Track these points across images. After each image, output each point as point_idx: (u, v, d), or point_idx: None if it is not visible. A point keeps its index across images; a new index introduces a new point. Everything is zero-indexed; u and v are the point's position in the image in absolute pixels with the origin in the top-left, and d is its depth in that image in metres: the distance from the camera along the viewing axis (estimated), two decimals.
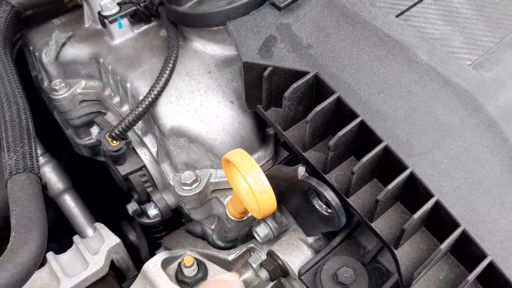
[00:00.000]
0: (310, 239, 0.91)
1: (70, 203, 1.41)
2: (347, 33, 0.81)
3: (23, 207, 0.73)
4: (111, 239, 0.97)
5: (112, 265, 1.00)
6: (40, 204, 0.76)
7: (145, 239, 1.43)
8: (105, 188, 1.55)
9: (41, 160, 1.30)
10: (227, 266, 1.01)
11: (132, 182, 0.94)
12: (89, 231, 1.37)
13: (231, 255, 1.01)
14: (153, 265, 0.93)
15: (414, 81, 0.77)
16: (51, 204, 1.39)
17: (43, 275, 0.94)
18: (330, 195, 0.73)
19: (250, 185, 0.72)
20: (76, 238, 0.98)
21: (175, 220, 1.31)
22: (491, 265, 0.66)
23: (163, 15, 0.94)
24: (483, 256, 0.66)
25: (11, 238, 0.71)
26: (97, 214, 1.42)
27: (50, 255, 0.94)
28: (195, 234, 1.21)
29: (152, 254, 1.37)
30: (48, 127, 1.31)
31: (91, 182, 1.53)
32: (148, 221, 1.23)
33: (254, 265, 0.96)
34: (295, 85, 0.76)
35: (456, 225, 0.67)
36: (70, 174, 1.41)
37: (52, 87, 1.03)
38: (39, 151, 1.28)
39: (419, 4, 0.86)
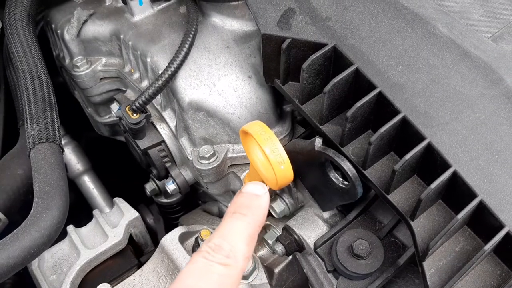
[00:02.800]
0: (326, 214, 0.91)
1: (89, 184, 1.44)
2: (366, 5, 0.81)
3: (45, 175, 0.75)
4: (130, 213, 0.98)
5: (131, 240, 1.02)
6: (62, 173, 0.78)
7: (162, 222, 1.45)
8: (122, 171, 1.57)
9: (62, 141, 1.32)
10: None
11: (151, 157, 0.96)
12: (106, 210, 1.40)
13: None
14: (171, 239, 0.94)
15: (433, 53, 0.77)
16: (70, 185, 1.42)
17: (63, 247, 0.96)
18: (347, 165, 0.73)
19: (268, 155, 0.73)
20: (96, 212, 1.00)
21: (192, 201, 1.32)
22: (508, 235, 0.66)
23: None
24: (500, 226, 0.66)
25: (34, 203, 0.73)
26: (115, 196, 1.45)
27: (70, 228, 0.96)
28: (212, 213, 1.23)
29: None
30: (68, 110, 1.34)
31: (109, 165, 1.56)
32: (165, 200, 1.25)
33: (270, 242, 0.97)
34: (313, 56, 0.76)
35: (473, 195, 0.67)
36: (89, 157, 1.43)
37: (73, 64, 1.05)
38: None
39: None
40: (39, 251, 0.70)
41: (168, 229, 1.40)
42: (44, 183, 0.74)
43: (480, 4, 0.82)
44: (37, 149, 0.79)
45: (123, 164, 1.55)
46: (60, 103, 0.98)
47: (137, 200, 1.47)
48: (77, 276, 0.91)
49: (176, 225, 1.35)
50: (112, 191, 1.47)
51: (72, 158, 1.40)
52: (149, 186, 1.17)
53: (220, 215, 1.16)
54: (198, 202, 1.35)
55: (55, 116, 0.86)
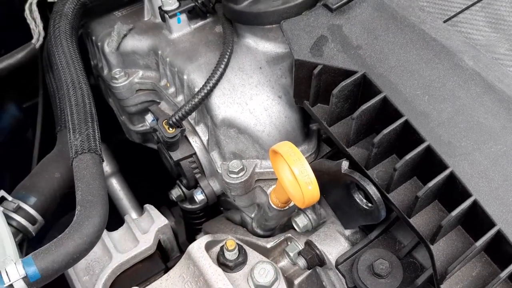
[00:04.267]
0: (348, 232, 0.95)
1: (117, 186, 1.49)
2: (395, 35, 0.84)
3: (87, 184, 0.80)
4: (160, 220, 1.03)
5: (158, 245, 1.07)
6: (103, 182, 0.83)
7: (183, 225, 1.50)
8: (146, 174, 1.63)
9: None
10: (265, 253, 1.06)
11: (182, 167, 1.01)
12: (133, 214, 1.45)
13: (269, 243, 1.06)
14: (197, 247, 0.99)
15: (459, 84, 0.80)
16: None
17: (96, 250, 1.01)
18: (372, 189, 0.77)
19: (296, 176, 0.77)
20: (127, 217, 1.05)
21: (214, 208, 1.37)
22: None
23: (220, 12, 1.00)
24: None
25: (76, 211, 0.78)
26: (139, 199, 1.50)
27: (104, 232, 1.01)
28: (234, 221, 1.27)
29: (190, 239, 1.43)
30: (99, 114, 1.40)
31: (134, 167, 1.61)
32: (190, 206, 1.30)
33: (291, 254, 1.01)
34: (343, 83, 0.80)
35: (492, 224, 0.70)
36: (117, 159, 1.49)
37: (112, 75, 1.10)
38: None
39: (466, 11, 0.88)
40: (81, 256, 0.76)
41: (190, 233, 1.46)
42: (86, 192, 0.79)
43: (506, 39, 0.85)
44: (80, 159, 0.84)
45: (147, 167, 1.60)
46: None
47: (159, 202, 1.52)
48: (108, 278, 0.96)
49: (198, 230, 1.40)
50: (135, 192, 1.52)
51: None
52: (175, 192, 1.22)
53: (243, 224, 1.20)
54: (220, 209, 1.40)
55: (96, 127, 0.91)
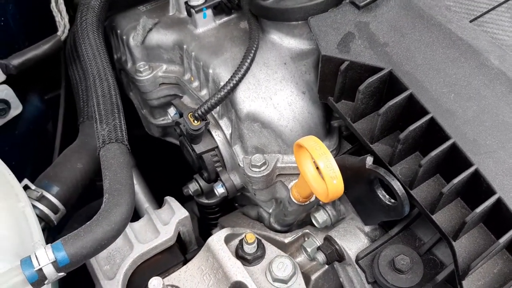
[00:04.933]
0: (367, 228, 0.96)
1: (133, 180, 1.50)
2: (422, 34, 0.85)
3: (115, 173, 0.82)
4: (181, 212, 1.04)
5: (178, 237, 1.08)
6: (130, 172, 0.84)
7: (196, 220, 1.51)
8: (161, 169, 1.64)
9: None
10: (283, 248, 1.07)
11: (204, 160, 1.02)
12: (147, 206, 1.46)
13: (287, 238, 1.07)
14: (217, 239, 1.00)
15: (484, 83, 0.81)
16: None
17: (117, 239, 1.02)
18: (397, 184, 0.78)
19: (322, 170, 0.78)
20: (148, 208, 1.06)
21: (229, 204, 1.38)
22: None
23: (245, 8, 1.01)
24: None
25: (104, 199, 0.80)
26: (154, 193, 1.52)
27: None
28: (250, 217, 1.28)
29: (203, 235, 1.45)
30: None
31: (150, 162, 1.63)
32: (207, 201, 1.31)
33: (309, 249, 1.02)
34: (370, 79, 0.81)
35: None
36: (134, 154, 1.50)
37: (136, 68, 1.12)
38: None
39: (492, 11, 0.89)
40: (108, 243, 0.77)
41: (205, 228, 1.47)
42: (114, 181, 0.80)
43: None
44: (107, 148, 0.86)
45: (160, 164, 1.61)
46: None
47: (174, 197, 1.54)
48: (129, 268, 0.97)
49: (213, 225, 1.41)
50: (150, 187, 1.54)
51: None
52: (192, 187, 1.23)
53: (259, 219, 1.21)
54: (235, 205, 1.41)
55: (122, 118, 0.92)
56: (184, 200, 1.40)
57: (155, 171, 1.65)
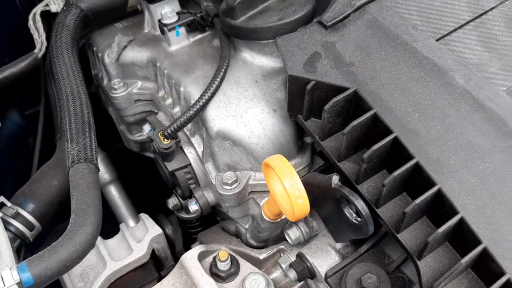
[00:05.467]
0: (339, 245, 0.96)
1: (115, 193, 1.50)
2: (388, 53, 0.86)
3: (82, 193, 0.82)
4: (154, 229, 1.05)
5: (152, 254, 1.08)
6: (97, 192, 0.85)
7: (180, 233, 1.51)
8: (146, 182, 1.64)
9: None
10: (258, 264, 1.07)
11: (177, 178, 1.02)
12: (130, 221, 1.46)
13: (262, 254, 1.07)
14: (190, 257, 1.00)
15: (449, 103, 0.81)
16: None
17: (90, 257, 1.03)
18: (360, 204, 0.78)
19: (287, 189, 0.78)
20: (122, 226, 1.06)
21: (211, 217, 1.38)
22: (508, 283, 0.69)
23: (218, 26, 1.02)
24: (501, 273, 0.70)
25: (71, 220, 0.80)
26: (137, 206, 1.52)
27: (98, 240, 1.03)
28: (229, 232, 1.28)
29: (186, 248, 1.44)
30: (98, 121, 1.42)
31: (133, 175, 1.63)
32: (186, 216, 1.31)
33: (284, 266, 1.02)
34: (335, 99, 0.82)
35: (478, 242, 0.71)
36: (116, 166, 1.50)
37: (111, 86, 1.12)
38: None
39: (459, 30, 0.90)
40: (73, 264, 0.77)
41: (186, 242, 1.47)
42: (81, 201, 0.81)
43: (498, 58, 0.86)
44: (76, 168, 0.86)
45: (146, 175, 1.61)
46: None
47: (157, 210, 1.54)
48: (102, 285, 0.98)
49: (194, 239, 1.41)
50: (134, 200, 1.54)
51: (101, 168, 1.46)
52: (172, 202, 1.23)
53: (238, 234, 1.21)
54: (216, 219, 1.41)
55: (93, 136, 0.93)
56: (171, 212, 1.41)
57: (142, 184, 1.66)
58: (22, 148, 1.36)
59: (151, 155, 1.33)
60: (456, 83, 0.83)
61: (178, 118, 0.92)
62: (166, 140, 0.93)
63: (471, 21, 0.90)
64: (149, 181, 1.59)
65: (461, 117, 0.80)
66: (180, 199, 1.19)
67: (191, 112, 0.91)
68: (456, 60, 0.85)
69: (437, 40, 0.88)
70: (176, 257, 1.26)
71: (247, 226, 1.12)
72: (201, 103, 0.91)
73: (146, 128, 1.11)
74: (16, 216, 1.03)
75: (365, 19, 0.89)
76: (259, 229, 1.03)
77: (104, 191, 1.49)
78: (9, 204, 1.03)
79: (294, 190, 0.78)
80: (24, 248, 1.05)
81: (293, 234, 1.00)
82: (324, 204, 0.89)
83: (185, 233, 1.46)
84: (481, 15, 0.91)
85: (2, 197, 1.03)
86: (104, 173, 1.47)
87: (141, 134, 1.24)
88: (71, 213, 0.81)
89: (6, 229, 1.00)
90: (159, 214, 1.53)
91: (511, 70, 0.85)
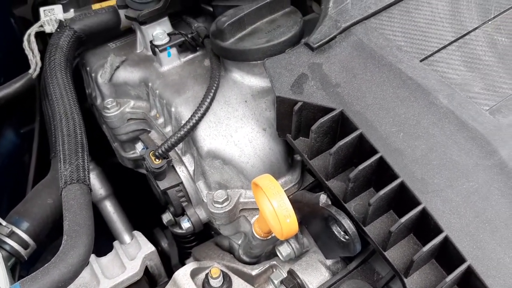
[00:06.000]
0: (329, 262, 0.97)
1: (110, 209, 1.52)
2: (373, 74, 0.88)
3: (75, 214, 0.84)
4: (147, 247, 1.06)
5: (146, 271, 1.09)
6: (90, 213, 0.86)
7: (176, 247, 1.52)
8: (141, 196, 1.65)
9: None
10: (250, 280, 1.08)
11: (169, 196, 1.04)
12: (126, 236, 1.48)
13: (254, 270, 1.08)
14: (183, 274, 1.01)
15: (433, 122, 0.83)
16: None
17: (84, 274, 1.04)
18: (347, 223, 0.80)
19: (275, 209, 0.80)
20: (115, 243, 1.08)
21: (205, 232, 1.39)
22: None
23: (208, 47, 1.04)
24: None
25: (63, 241, 0.81)
26: (133, 220, 1.53)
27: (92, 257, 1.04)
28: (223, 247, 1.29)
29: (182, 262, 1.46)
30: (94, 136, 1.43)
31: (129, 189, 1.64)
32: (180, 231, 1.33)
33: (276, 282, 1.03)
34: (322, 120, 0.83)
35: (462, 260, 0.73)
36: (111, 181, 1.52)
37: (104, 105, 1.14)
38: None
39: (443, 50, 0.92)
40: (66, 284, 0.78)
41: (181, 256, 1.48)
42: (73, 222, 0.82)
43: (480, 77, 0.88)
44: (68, 189, 0.88)
45: (142, 189, 1.63)
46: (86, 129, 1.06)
47: (154, 224, 1.55)
48: None
49: (189, 254, 1.42)
50: (130, 214, 1.55)
51: (96, 183, 1.48)
52: (166, 217, 1.24)
53: (231, 250, 1.22)
54: (211, 233, 1.42)
55: (85, 157, 0.94)
56: (167, 226, 1.42)
57: (138, 197, 1.67)
58: (18, 165, 1.37)
59: (145, 172, 1.35)
60: (440, 103, 0.85)
61: (169, 138, 0.93)
62: (157, 160, 0.95)
63: (454, 41, 0.92)
64: (145, 195, 1.61)
65: (445, 136, 0.82)
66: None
67: (182, 132, 0.93)
68: (440, 80, 0.87)
69: (421, 61, 0.90)
70: (172, 271, 1.27)
71: (239, 242, 1.13)
72: (191, 124, 0.92)
73: (139, 146, 1.13)
74: (11, 235, 1.04)
75: (350, 41, 0.91)
76: (250, 246, 1.04)
77: (100, 206, 1.51)
78: (4, 223, 1.04)
79: (282, 209, 0.80)
80: (19, 266, 1.07)
81: (284, 250, 1.01)
82: (313, 221, 0.91)
83: (180, 248, 1.48)
84: (464, 35, 0.93)
85: None
86: (99, 189, 1.48)
87: (134, 151, 1.26)
88: (63, 234, 0.82)
89: (1, 247, 1.02)
90: (155, 227, 1.55)
91: (494, 90, 0.87)
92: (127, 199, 1.59)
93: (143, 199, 1.62)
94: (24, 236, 1.05)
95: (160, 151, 0.94)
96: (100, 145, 1.45)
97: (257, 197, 0.87)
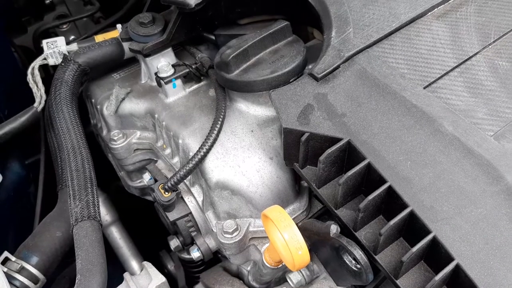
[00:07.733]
0: None
1: (117, 235, 1.52)
2: (378, 103, 0.89)
3: (87, 252, 0.84)
4: (158, 278, 1.06)
5: None
6: (102, 250, 0.87)
7: (182, 270, 1.52)
8: (148, 219, 1.66)
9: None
10: None
11: (178, 226, 1.04)
12: (133, 262, 1.48)
13: None
14: None
15: (439, 150, 0.84)
16: None
17: None
18: (359, 254, 0.80)
19: (286, 241, 0.81)
20: (126, 275, 1.08)
21: (213, 255, 1.40)
22: None
23: (213, 78, 1.05)
24: None
25: (77, 280, 0.82)
26: (139, 243, 1.53)
27: None
28: (231, 272, 1.30)
29: (189, 285, 1.46)
30: (99, 161, 1.44)
31: (136, 211, 1.65)
32: (188, 256, 1.33)
33: None
34: (329, 150, 0.84)
35: (474, 287, 0.73)
36: (117, 204, 1.52)
37: (111, 137, 1.15)
38: None
39: (445, 76, 0.93)
40: None
41: (188, 280, 1.48)
42: (86, 261, 0.83)
43: (484, 103, 0.90)
44: (80, 226, 0.88)
45: (148, 211, 1.63)
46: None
47: (160, 246, 1.55)
48: None
49: (196, 278, 1.42)
50: (137, 236, 1.55)
51: (102, 210, 1.48)
52: (173, 243, 1.24)
53: (240, 275, 1.23)
54: (218, 257, 1.43)
55: (95, 192, 0.95)
56: None
57: (143, 220, 1.67)
58: (24, 198, 1.37)
59: (152, 199, 1.36)
60: (445, 130, 0.86)
61: (178, 171, 0.94)
62: (167, 193, 0.96)
63: (456, 67, 0.93)
64: (151, 218, 1.61)
65: (452, 163, 0.83)
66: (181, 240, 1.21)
67: (190, 165, 0.93)
68: (444, 107, 0.88)
69: (424, 88, 0.91)
70: None
71: (249, 268, 1.14)
72: (199, 156, 0.93)
73: (146, 177, 1.14)
74: (21, 270, 1.04)
75: (354, 70, 0.93)
76: (260, 273, 1.04)
77: (106, 232, 1.51)
78: (13, 258, 1.04)
79: (294, 242, 0.80)
80: None
81: (294, 278, 1.01)
82: (323, 250, 0.91)
83: (187, 272, 1.48)
84: (465, 60, 0.94)
85: (6, 252, 1.05)
86: (105, 215, 1.49)
87: (141, 180, 1.27)
88: (77, 273, 0.82)
89: (11, 283, 1.02)
90: (161, 250, 1.55)
91: (497, 115, 0.88)
92: (134, 221, 1.59)
93: (149, 222, 1.63)
94: (34, 271, 1.05)
95: (169, 184, 0.94)
96: (105, 169, 1.46)
97: (268, 229, 0.87)
